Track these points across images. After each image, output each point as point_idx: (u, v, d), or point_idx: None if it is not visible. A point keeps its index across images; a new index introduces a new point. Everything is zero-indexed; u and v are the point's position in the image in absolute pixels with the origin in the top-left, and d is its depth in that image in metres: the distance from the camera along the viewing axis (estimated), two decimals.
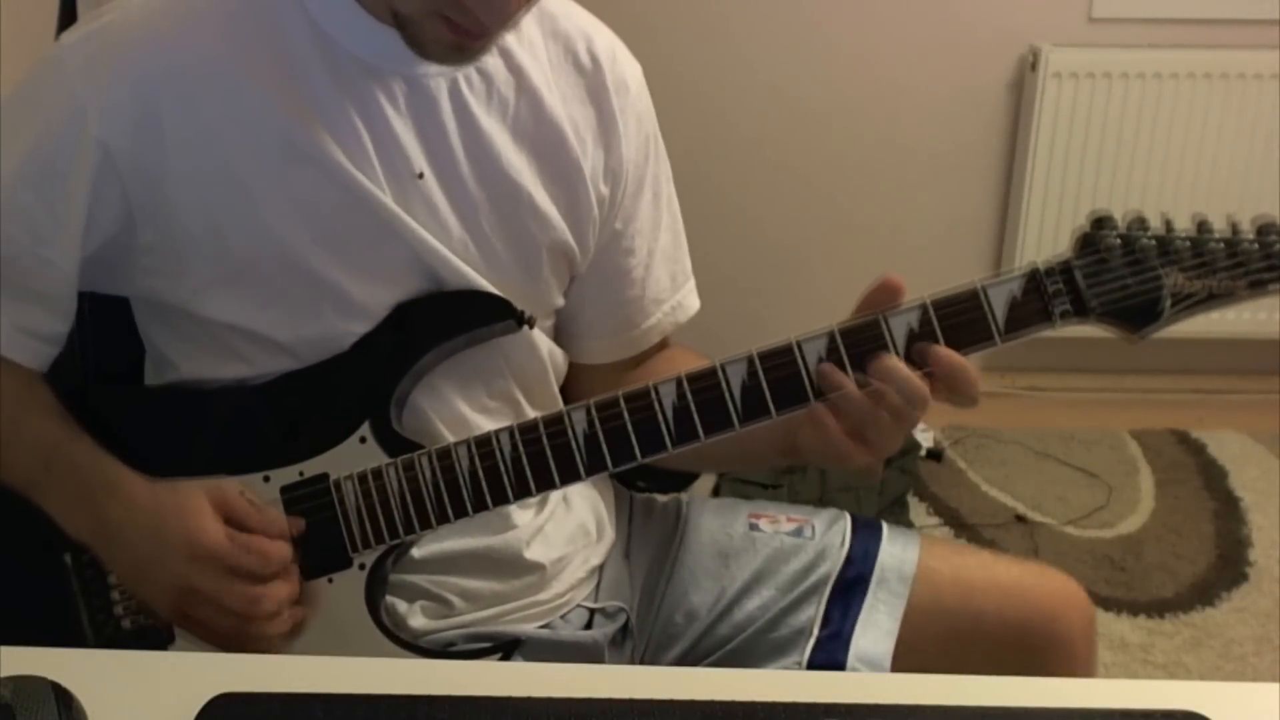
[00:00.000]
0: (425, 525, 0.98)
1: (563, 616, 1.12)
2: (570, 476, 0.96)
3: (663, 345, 1.19)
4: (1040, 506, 2.46)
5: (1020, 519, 2.42)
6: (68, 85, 0.96)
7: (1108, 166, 2.64)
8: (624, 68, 1.09)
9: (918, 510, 2.45)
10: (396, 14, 0.93)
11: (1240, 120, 2.60)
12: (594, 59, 1.07)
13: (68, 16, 1.29)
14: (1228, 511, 2.45)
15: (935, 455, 2.60)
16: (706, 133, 2.57)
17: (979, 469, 2.59)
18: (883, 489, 2.42)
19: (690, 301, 1.18)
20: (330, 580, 0.99)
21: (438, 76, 0.99)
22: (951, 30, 2.62)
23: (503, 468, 0.96)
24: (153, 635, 1.01)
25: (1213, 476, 2.56)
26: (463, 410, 1.05)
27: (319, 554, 0.99)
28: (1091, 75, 2.57)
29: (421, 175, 0.99)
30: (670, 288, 1.16)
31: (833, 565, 1.13)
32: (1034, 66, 2.58)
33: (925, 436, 2.62)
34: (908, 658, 1.08)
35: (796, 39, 2.62)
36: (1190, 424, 2.72)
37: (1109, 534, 2.39)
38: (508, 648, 1.02)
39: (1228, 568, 2.29)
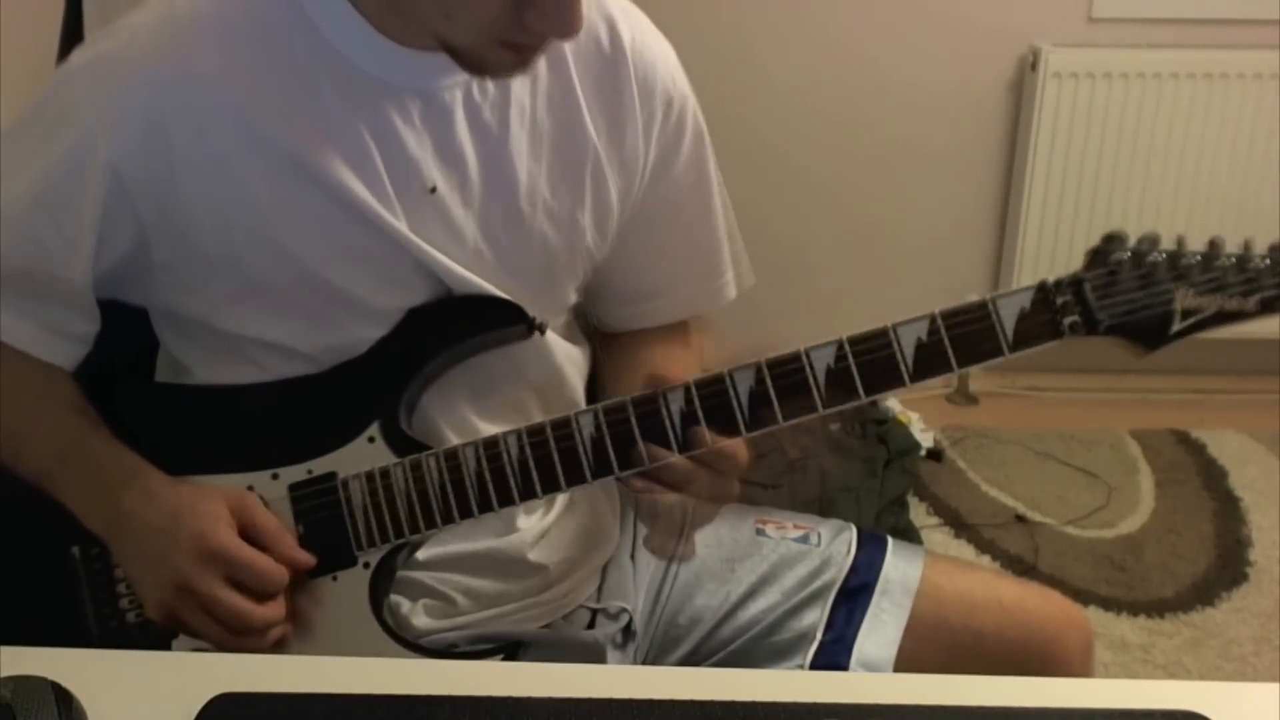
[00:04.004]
0: (430, 525, 0.98)
1: (565, 617, 1.12)
2: (576, 480, 0.96)
3: (685, 328, 1.19)
4: (1040, 506, 2.46)
5: (1020, 519, 2.42)
6: (77, 109, 0.96)
7: (1107, 166, 2.64)
8: (649, 52, 1.07)
9: (918, 510, 2.45)
10: (447, 45, 0.92)
11: (1240, 120, 2.60)
12: (614, 43, 1.05)
13: (72, 23, 1.29)
14: (1228, 511, 2.45)
15: (935, 455, 2.60)
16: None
17: (979, 469, 2.58)
18: (883, 489, 2.42)
19: (728, 290, 1.18)
20: (335, 578, 1.00)
21: (452, 88, 0.98)
22: (951, 30, 2.62)
23: (509, 470, 0.96)
24: (157, 629, 1.00)
25: (1213, 476, 2.56)
26: (474, 417, 1.05)
27: (324, 552, 0.99)
28: (1091, 75, 2.57)
29: (434, 189, 0.98)
30: (707, 272, 1.16)
31: (837, 572, 1.13)
32: (1034, 66, 2.58)
33: (925, 436, 2.62)
34: (908, 670, 1.08)
35: (796, 39, 2.62)
36: (1190, 424, 2.72)
37: (1109, 534, 2.39)
38: (510, 648, 1.02)
39: (1228, 568, 2.29)
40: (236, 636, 0.95)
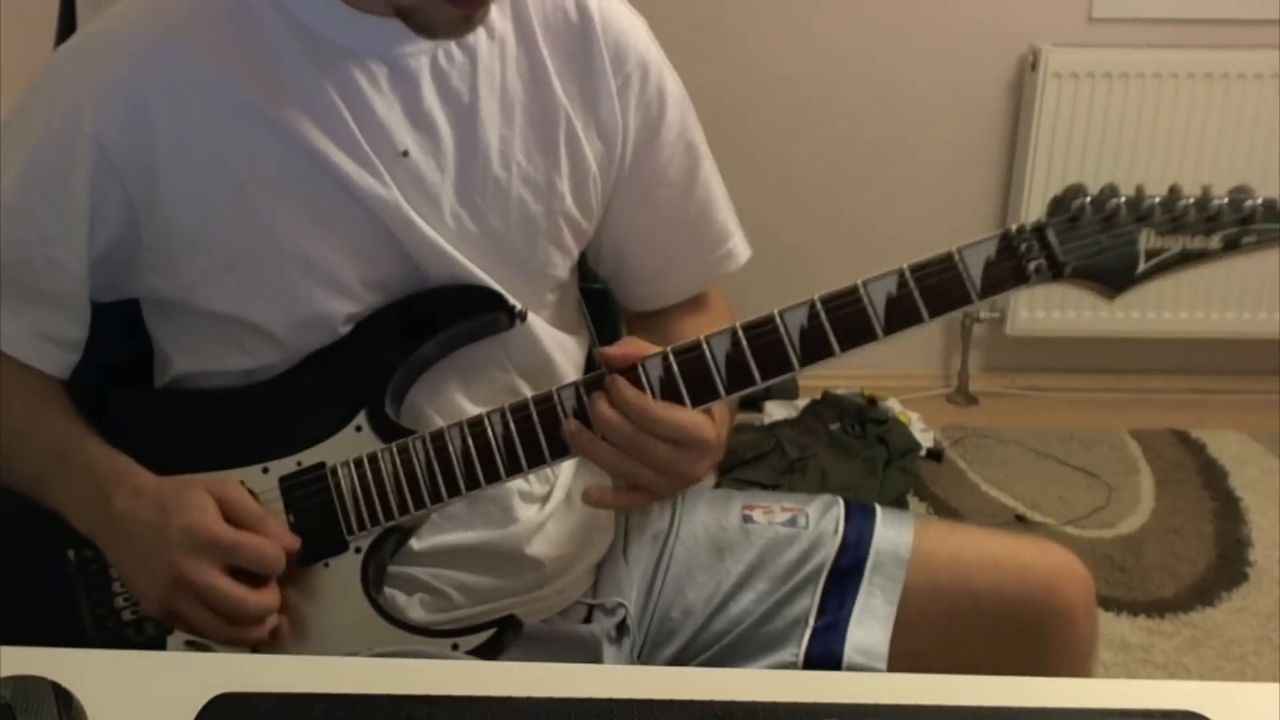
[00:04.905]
0: (419, 505, 0.99)
1: (561, 613, 1.12)
2: (559, 452, 0.97)
3: (705, 297, 1.20)
4: (1040, 506, 2.46)
5: (1020, 519, 2.42)
6: (62, 88, 1.00)
7: (1108, 166, 2.63)
8: (619, 21, 1.09)
9: (918, 510, 2.45)
10: (396, 6, 0.95)
11: (1240, 120, 2.60)
12: (583, 13, 1.07)
13: (67, 23, 1.31)
14: (1228, 511, 2.45)
15: (935, 455, 2.60)
16: (705, 132, 2.57)
17: (979, 469, 2.59)
18: (882, 489, 2.42)
19: (738, 251, 1.19)
20: (326, 565, 1.00)
21: (418, 55, 1.01)
22: (951, 30, 2.62)
23: (494, 445, 0.97)
24: (152, 626, 1.01)
25: (1213, 476, 2.56)
26: (464, 403, 1.06)
27: (315, 540, 1.00)
28: (1091, 75, 2.57)
29: (406, 153, 1.00)
30: (713, 238, 1.18)
31: (827, 554, 1.13)
32: (1034, 66, 2.58)
33: (925, 436, 2.62)
34: (907, 641, 1.08)
35: (797, 38, 2.62)
36: (1190, 424, 2.72)
37: (1109, 534, 2.39)
38: (503, 625, 1.02)
39: (1228, 568, 2.29)
40: (234, 626, 0.95)
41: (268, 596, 0.96)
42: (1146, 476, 2.57)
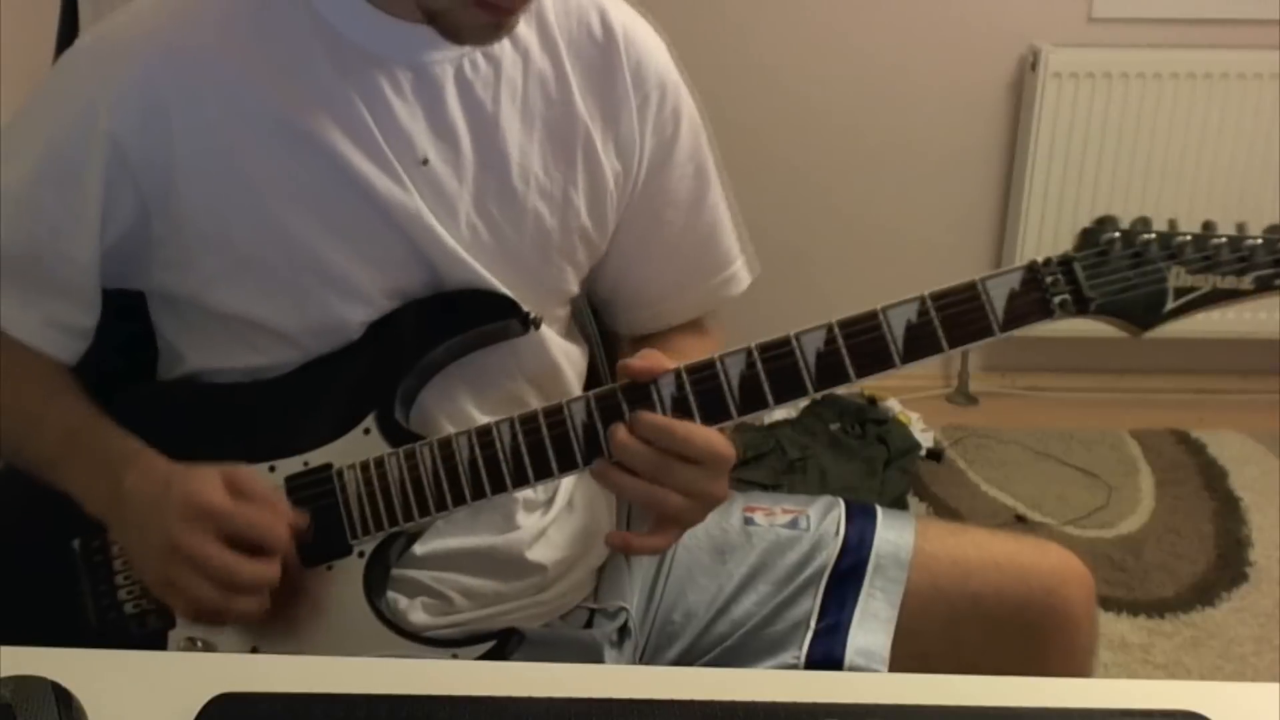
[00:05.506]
0: (424, 513, 0.98)
1: (562, 617, 1.12)
2: (568, 466, 0.96)
3: (700, 321, 1.20)
4: (1040, 506, 2.46)
5: (1020, 519, 2.42)
6: (78, 84, 1.00)
7: (1108, 166, 2.64)
8: (641, 41, 1.09)
9: (918, 510, 2.45)
10: (426, 10, 0.95)
11: (1240, 120, 2.60)
12: (607, 31, 1.07)
13: (68, 24, 1.31)
14: (1228, 511, 2.45)
15: (935, 455, 2.60)
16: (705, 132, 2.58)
17: (979, 469, 2.59)
18: (883, 489, 2.42)
19: (741, 276, 1.19)
20: (329, 568, 1.00)
21: (443, 63, 1.00)
22: (951, 30, 2.62)
23: (502, 457, 0.97)
24: (154, 620, 1.01)
25: (1213, 476, 2.56)
26: (473, 410, 1.06)
27: (319, 541, 0.99)
28: (1091, 75, 2.58)
29: (426, 161, 1.00)
30: (717, 262, 1.17)
31: (829, 556, 1.13)
32: (1034, 66, 2.58)
33: (925, 436, 2.62)
34: (908, 643, 1.08)
35: (797, 39, 2.63)
36: (1190, 424, 2.72)
37: (1109, 534, 2.39)
38: (504, 636, 1.02)
39: (1228, 568, 2.29)
40: (228, 596, 0.94)
41: (262, 567, 0.94)
42: (1146, 476, 2.57)
